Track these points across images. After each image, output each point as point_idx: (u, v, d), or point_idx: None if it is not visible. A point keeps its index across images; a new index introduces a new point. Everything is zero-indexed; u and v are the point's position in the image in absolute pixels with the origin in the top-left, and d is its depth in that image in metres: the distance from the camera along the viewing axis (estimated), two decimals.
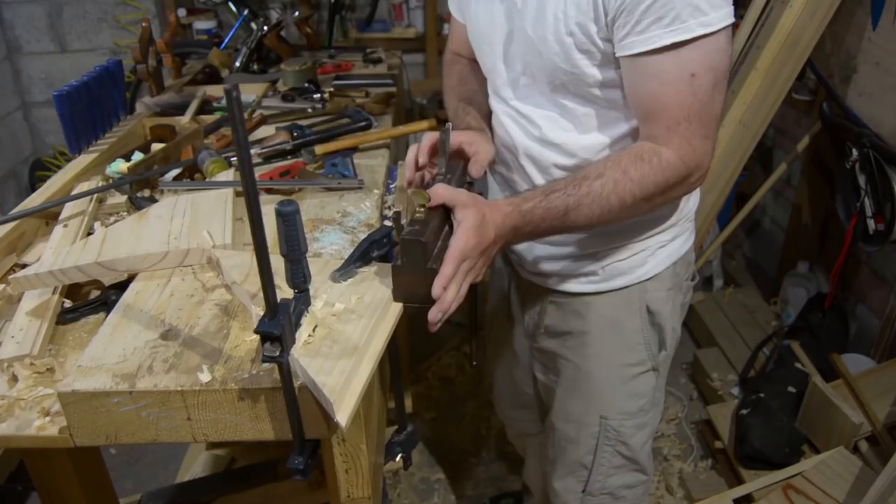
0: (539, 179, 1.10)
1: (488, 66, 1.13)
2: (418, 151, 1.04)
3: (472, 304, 1.24)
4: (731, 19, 0.88)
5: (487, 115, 1.19)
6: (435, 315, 0.84)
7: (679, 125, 0.91)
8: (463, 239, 0.85)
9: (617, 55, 0.93)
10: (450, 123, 1.03)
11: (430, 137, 1.04)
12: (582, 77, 0.98)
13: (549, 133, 1.06)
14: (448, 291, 0.84)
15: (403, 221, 0.89)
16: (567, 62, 0.97)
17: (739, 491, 1.74)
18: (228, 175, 1.26)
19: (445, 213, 0.89)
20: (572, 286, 1.18)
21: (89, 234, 1.13)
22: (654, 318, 1.19)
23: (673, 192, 0.97)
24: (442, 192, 0.88)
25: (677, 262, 1.19)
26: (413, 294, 0.85)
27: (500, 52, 1.07)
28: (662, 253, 1.16)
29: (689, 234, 1.21)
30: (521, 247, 1.20)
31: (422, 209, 0.87)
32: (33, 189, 1.53)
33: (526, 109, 1.08)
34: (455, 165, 1.03)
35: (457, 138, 1.05)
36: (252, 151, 1.37)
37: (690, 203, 1.17)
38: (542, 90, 1.04)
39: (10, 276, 0.97)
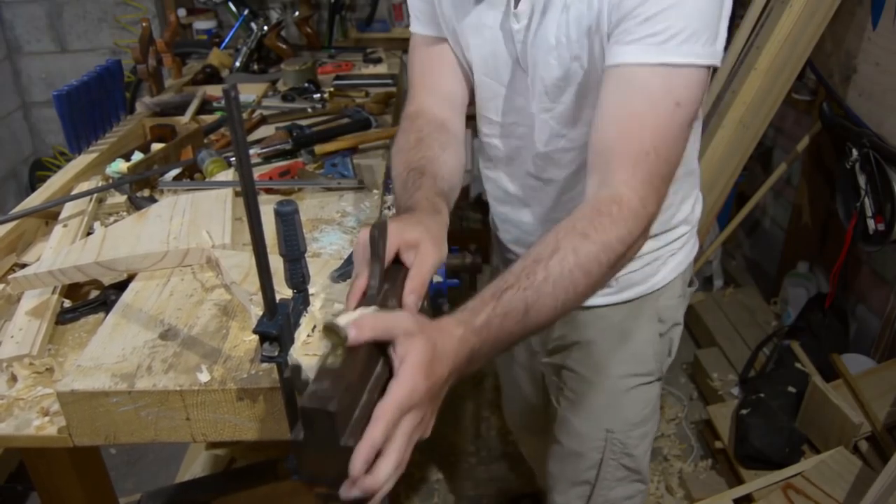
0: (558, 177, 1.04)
1: (492, 94, 1.04)
2: (358, 266, 0.76)
3: None
4: (719, 61, 0.85)
5: (448, 189, 0.95)
6: (354, 497, 0.56)
7: (648, 155, 0.81)
8: (409, 384, 0.60)
9: (605, 65, 0.85)
10: (386, 215, 0.81)
11: (361, 237, 0.75)
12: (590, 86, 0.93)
13: (567, 131, 1.00)
14: (379, 466, 0.57)
15: (304, 375, 0.67)
16: (571, 84, 0.93)
17: (739, 491, 1.74)
18: (228, 175, 1.26)
19: (377, 349, 0.62)
20: None
21: (89, 233, 1.13)
22: (664, 327, 1.17)
23: (635, 248, 0.82)
24: (368, 324, 0.61)
25: (687, 268, 1.18)
26: (325, 478, 0.58)
27: (505, 79, 1.01)
28: (674, 261, 1.14)
29: (695, 239, 1.19)
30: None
31: (337, 351, 0.60)
32: (33, 189, 1.53)
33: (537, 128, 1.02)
34: (396, 272, 0.75)
35: (395, 238, 0.76)
36: (252, 151, 1.37)
37: (697, 209, 1.15)
38: (548, 106, 0.99)
39: (10, 276, 0.97)
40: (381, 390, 0.60)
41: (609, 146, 0.84)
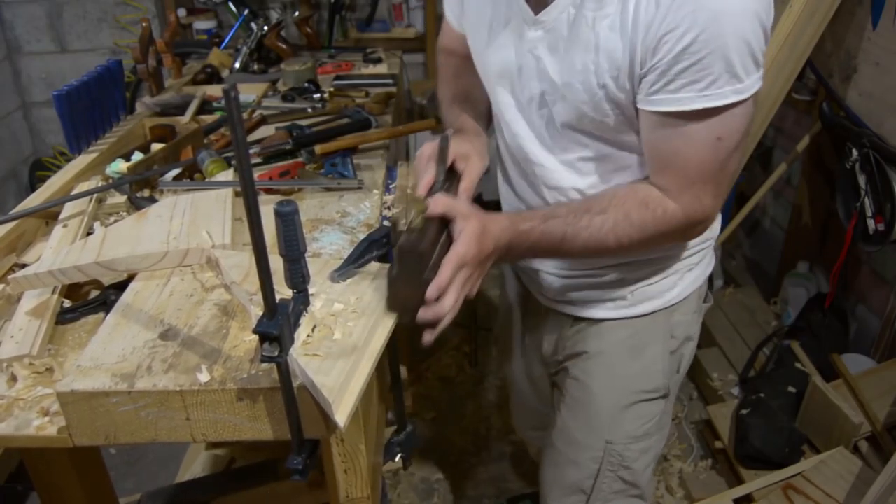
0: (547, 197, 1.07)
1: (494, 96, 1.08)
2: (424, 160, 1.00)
3: (472, 304, 1.24)
4: (761, 83, 0.85)
5: (485, 111, 1.16)
6: (427, 318, 0.81)
7: (693, 185, 0.89)
8: (464, 246, 0.82)
9: (639, 106, 0.89)
10: (450, 130, 1.00)
11: (429, 147, 0.99)
12: (607, 124, 0.94)
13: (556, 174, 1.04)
14: (445, 299, 0.81)
15: (401, 228, 0.88)
16: (596, 111, 0.93)
17: (739, 491, 1.74)
18: (228, 175, 1.26)
19: (443, 223, 0.86)
20: (598, 312, 1.15)
21: (89, 233, 1.13)
22: (675, 343, 1.16)
23: (671, 240, 0.96)
24: (441, 202, 0.85)
25: (703, 284, 1.17)
26: (408, 305, 0.82)
27: (508, 86, 1.03)
28: (691, 276, 1.13)
29: (713, 254, 1.18)
30: (544, 274, 1.16)
31: (419, 218, 0.85)
32: (33, 189, 1.53)
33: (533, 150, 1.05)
34: (452, 176, 0.99)
35: (451, 151, 1.00)
36: (252, 151, 1.37)
37: (716, 224, 1.13)
38: (556, 129, 1.00)
39: (10, 276, 0.97)
40: (445, 252, 0.83)
41: (658, 169, 0.92)
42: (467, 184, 0.97)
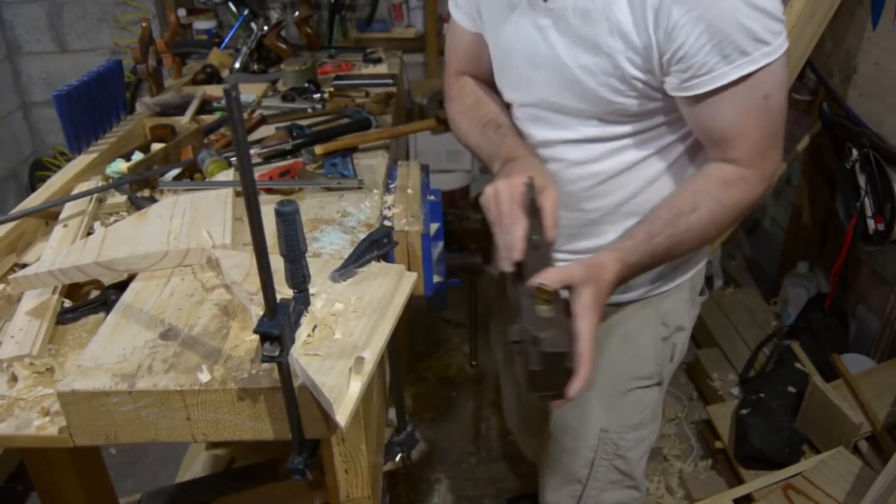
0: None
1: (505, 84, 1.08)
2: (521, 227, 0.89)
3: (472, 304, 1.24)
4: (787, 41, 0.88)
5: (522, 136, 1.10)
6: (577, 392, 0.83)
7: (759, 146, 0.93)
8: (592, 321, 0.83)
9: (676, 94, 0.92)
10: (532, 177, 0.93)
11: (505, 190, 0.91)
12: (623, 108, 0.96)
13: (571, 155, 1.04)
14: (587, 368, 0.82)
15: (519, 324, 0.83)
16: (613, 93, 0.94)
17: (739, 491, 1.74)
18: (228, 175, 1.26)
19: (561, 297, 0.85)
20: None
21: (89, 233, 1.13)
22: (667, 330, 1.16)
23: (757, 204, 0.99)
24: (557, 278, 0.83)
25: (695, 273, 1.17)
26: (551, 387, 0.83)
27: (524, 73, 1.02)
28: (683, 264, 1.14)
29: (708, 246, 1.19)
30: None
31: (544, 305, 0.82)
32: (33, 189, 1.53)
33: (543, 135, 1.05)
34: (534, 211, 0.91)
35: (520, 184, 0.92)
36: (252, 151, 1.37)
37: None
38: (568, 116, 1.01)
39: (10, 276, 0.97)
40: (567, 314, 0.84)
41: (719, 145, 0.94)
42: (551, 220, 0.91)
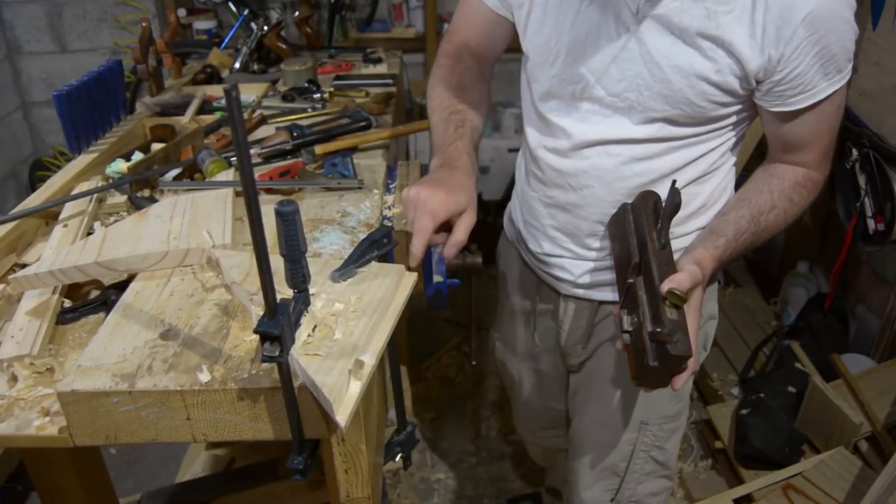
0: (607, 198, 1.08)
1: (556, 74, 1.05)
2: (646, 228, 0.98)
3: (472, 304, 1.24)
4: None
5: (478, 140, 1.12)
6: (683, 382, 0.93)
7: (828, 150, 1.03)
8: (698, 320, 0.96)
9: (773, 109, 0.98)
10: (675, 180, 0.95)
11: (425, 209, 0.94)
12: (702, 111, 0.99)
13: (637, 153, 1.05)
14: (694, 363, 0.93)
15: (636, 317, 0.92)
16: (700, 97, 0.97)
17: (739, 491, 1.74)
18: (228, 175, 1.26)
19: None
20: None
21: (89, 233, 1.13)
22: (701, 320, 1.14)
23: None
24: (687, 284, 0.90)
25: None
26: (656, 379, 0.93)
27: (594, 66, 1.00)
28: None
29: None
30: (569, 261, 1.17)
31: (673, 308, 0.89)
32: (33, 189, 1.53)
33: (603, 130, 1.05)
34: (665, 225, 0.97)
35: (448, 207, 0.96)
36: (252, 151, 1.37)
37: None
38: (631, 112, 1.01)
39: (10, 276, 0.97)
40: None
41: (795, 150, 1.03)
42: (459, 238, 0.99)
